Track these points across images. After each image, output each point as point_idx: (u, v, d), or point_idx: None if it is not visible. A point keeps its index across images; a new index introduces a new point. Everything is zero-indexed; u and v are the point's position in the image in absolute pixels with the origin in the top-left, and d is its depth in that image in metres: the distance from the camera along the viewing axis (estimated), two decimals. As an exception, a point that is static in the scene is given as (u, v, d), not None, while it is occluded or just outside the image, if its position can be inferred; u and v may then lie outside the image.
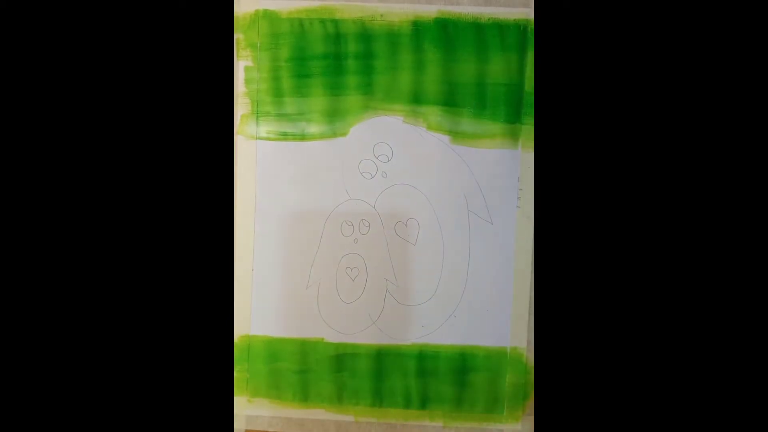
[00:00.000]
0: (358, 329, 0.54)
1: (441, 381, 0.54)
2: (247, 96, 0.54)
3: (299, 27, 0.53)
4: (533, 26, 0.52)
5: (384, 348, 0.54)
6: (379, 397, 0.54)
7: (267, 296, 0.54)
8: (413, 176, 0.54)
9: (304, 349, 0.54)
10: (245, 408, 0.55)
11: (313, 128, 0.54)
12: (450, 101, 0.53)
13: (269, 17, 0.53)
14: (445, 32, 0.53)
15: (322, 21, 0.53)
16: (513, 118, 0.53)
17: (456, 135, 0.53)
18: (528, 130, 0.53)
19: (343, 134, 0.54)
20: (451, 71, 0.53)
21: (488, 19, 0.52)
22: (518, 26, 0.52)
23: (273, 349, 0.54)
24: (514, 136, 0.53)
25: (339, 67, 0.53)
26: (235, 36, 0.53)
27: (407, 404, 0.54)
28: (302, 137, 0.54)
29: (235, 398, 0.54)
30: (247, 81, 0.53)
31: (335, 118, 0.53)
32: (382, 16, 0.53)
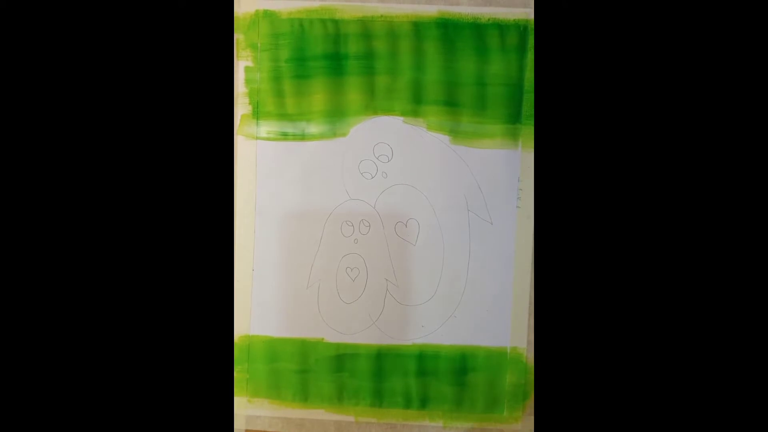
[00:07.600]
0: (358, 329, 0.54)
1: (441, 381, 0.54)
2: (247, 96, 0.54)
3: (299, 27, 0.53)
4: (533, 26, 0.52)
5: (384, 348, 0.54)
6: (379, 397, 0.54)
7: (267, 296, 0.54)
8: (413, 176, 0.54)
9: (304, 349, 0.54)
10: (245, 408, 0.55)
11: (314, 128, 0.54)
12: (450, 101, 0.53)
13: (269, 17, 0.53)
14: (445, 32, 0.53)
15: (323, 21, 0.53)
16: (513, 118, 0.53)
17: (456, 135, 0.53)
18: (528, 130, 0.53)
19: (344, 134, 0.54)
20: (451, 71, 0.53)
21: (488, 20, 0.52)
22: (518, 26, 0.52)
23: (273, 349, 0.54)
24: (514, 136, 0.53)
25: (339, 67, 0.53)
26: (236, 36, 0.53)
27: (407, 404, 0.54)
28: (302, 137, 0.54)
29: (235, 398, 0.54)
30: (248, 81, 0.54)
31: (335, 118, 0.53)
32: (382, 16, 0.53)
